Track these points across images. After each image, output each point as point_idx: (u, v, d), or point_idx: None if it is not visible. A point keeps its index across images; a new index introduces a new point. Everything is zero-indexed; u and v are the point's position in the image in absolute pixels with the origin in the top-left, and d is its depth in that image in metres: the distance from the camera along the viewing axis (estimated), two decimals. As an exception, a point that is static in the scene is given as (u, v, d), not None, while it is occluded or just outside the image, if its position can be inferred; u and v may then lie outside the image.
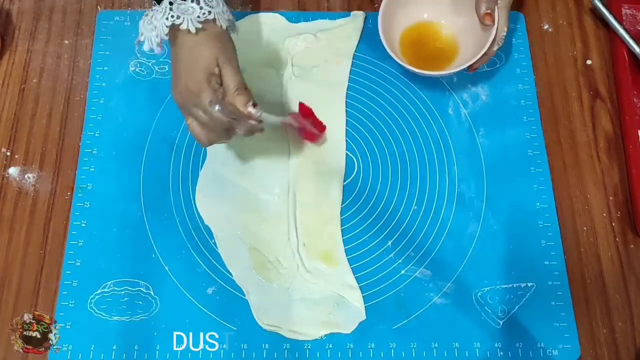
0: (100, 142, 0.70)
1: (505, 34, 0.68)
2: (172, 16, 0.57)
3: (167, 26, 0.57)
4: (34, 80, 0.73)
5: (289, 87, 0.73)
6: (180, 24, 0.57)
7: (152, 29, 0.58)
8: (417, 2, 0.73)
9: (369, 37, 0.77)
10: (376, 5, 0.79)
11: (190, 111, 0.59)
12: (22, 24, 0.76)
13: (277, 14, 0.77)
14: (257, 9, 0.78)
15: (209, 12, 0.57)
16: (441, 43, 0.74)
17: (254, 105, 0.58)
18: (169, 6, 0.57)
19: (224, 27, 0.59)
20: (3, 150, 0.70)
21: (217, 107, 0.56)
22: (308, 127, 0.67)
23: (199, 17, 0.57)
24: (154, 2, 0.59)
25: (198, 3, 0.57)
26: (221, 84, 0.58)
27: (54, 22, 0.77)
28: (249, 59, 0.73)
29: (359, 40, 0.76)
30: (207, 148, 0.69)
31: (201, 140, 0.60)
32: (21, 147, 0.70)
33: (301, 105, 0.68)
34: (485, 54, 0.68)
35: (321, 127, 0.69)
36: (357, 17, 0.77)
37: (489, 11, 0.68)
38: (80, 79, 0.73)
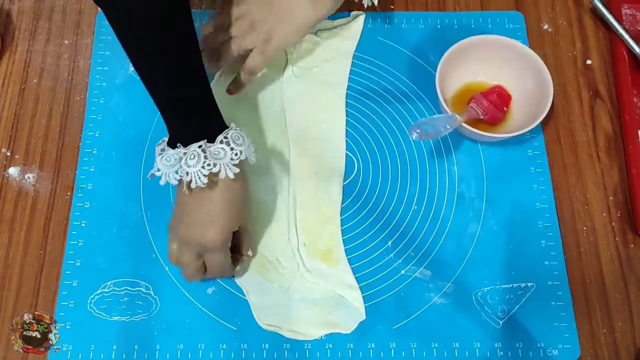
0: (100, 142, 0.70)
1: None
2: (209, 165, 0.54)
3: (204, 175, 0.54)
4: (34, 80, 0.73)
5: (288, 87, 0.73)
6: (218, 171, 0.55)
7: (173, 166, 0.55)
8: (475, 61, 0.71)
9: (369, 37, 0.77)
10: (376, 5, 0.79)
11: (195, 253, 0.58)
12: (22, 24, 0.76)
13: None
14: (257, 9, 0.78)
15: (240, 153, 0.56)
16: None
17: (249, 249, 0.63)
18: (202, 153, 0.54)
19: (253, 161, 0.58)
20: (3, 150, 0.70)
21: (415, 136, 0.62)
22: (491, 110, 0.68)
23: (232, 159, 0.55)
24: (169, 144, 0.56)
25: (228, 144, 0.55)
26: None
27: (54, 22, 0.77)
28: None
29: (359, 40, 0.76)
30: None
31: (188, 275, 0.61)
32: (21, 147, 0.70)
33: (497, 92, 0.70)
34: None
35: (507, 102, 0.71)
36: (357, 17, 0.77)
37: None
38: (80, 79, 0.73)
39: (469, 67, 0.72)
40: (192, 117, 0.57)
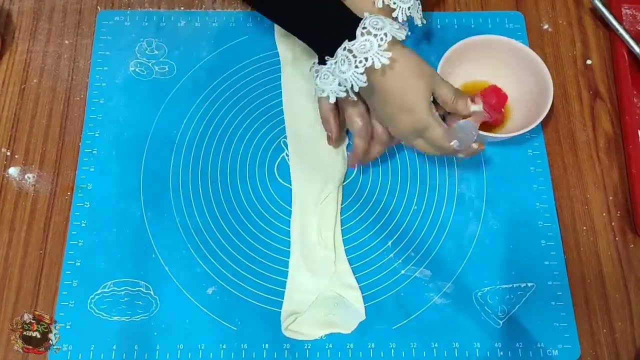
0: (100, 142, 0.70)
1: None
2: (358, 59, 0.54)
3: (361, 74, 0.54)
4: (34, 80, 0.73)
5: (288, 86, 0.73)
6: (372, 64, 0.54)
7: (333, 81, 0.56)
8: (475, 61, 0.71)
9: (369, 37, 0.77)
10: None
11: (415, 140, 0.60)
12: (22, 24, 0.76)
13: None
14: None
15: (386, 35, 0.54)
16: None
17: (473, 100, 0.59)
18: (348, 54, 0.54)
19: (404, 39, 0.56)
20: (3, 150, 0.70)
21: (456, 144, 0.59)
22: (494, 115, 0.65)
23: (380, 45, 0.54)
24: (317, 60, 0.58)
25: (370, 33, 0.54)
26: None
27: (54, 22, 0.77)
28: (248, 58, 0.73)
29: (359, 40, 0.76)
30: None
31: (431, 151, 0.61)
32: (21, 147, 0.70)
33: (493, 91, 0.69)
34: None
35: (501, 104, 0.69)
36: (357, 17, 0.77)
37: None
38: (80, 79, 0.73)
39: (468, 66, 0.71)
40: (327, 25, 0.57)
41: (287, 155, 0.70)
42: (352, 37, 0.55)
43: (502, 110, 0.70)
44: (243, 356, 0.62)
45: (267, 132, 0.71)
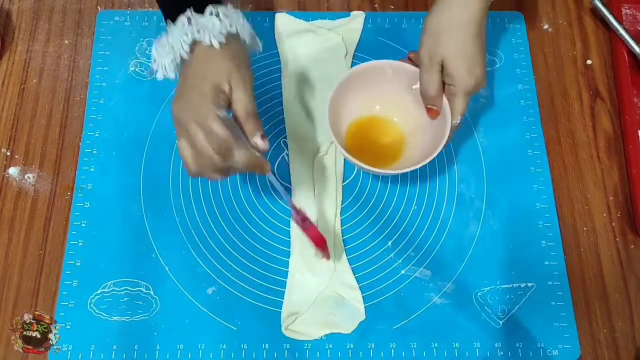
0: (100, 142, 0.70)
1: (458, 122, 0.62)
2: (192, 32, 0.52)
3: (187, 43, 0.52)
4: (34, 80, 0.73)
5: (288, 86, 0.73)
6: (202, 39, 0.52)
7: (167, 52, 0.53)
8: (369, 95, 0.67)
9: (369, 37, 0.77)
10: (376, 5, 0.79)
11: (187, 127, 0.52)
12: (22, 24, 0.76)
13: (279, 13, 0.77)
14: (257, 9, 0.78)
15: (230, 25, 0.53)
16: (389, 138, 0.68)
17: (263, 137, 0.53)
18: (187, 23, 0.53)
19: (247, 41, 0.55)
20: (3, 150, 0.70)
21: (221, 114, 0.51)
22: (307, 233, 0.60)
23: (221, 32, 0.52)
24: (168, 21, 0.54)
25: (218, 16, 0.53)
26: (229, 105, 0.53)
27: (54, 22, 0.77)
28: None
29: (359, 40, 0.76)
30: None
31: (189, 166, 0.53)
32: (21, 147, 0.70)
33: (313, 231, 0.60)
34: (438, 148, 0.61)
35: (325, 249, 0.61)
36: (357, 17, 0.77)
37: (431, 107, 0.63)
38: (80, 79, 0.73)
39: (358, 101, 0.66)
40: None
41: (287, 155, 0.70)
42: (199, 10, 0.53)
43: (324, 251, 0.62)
44: (243, 356, 0.62)
45: (267, 132, 0.71)
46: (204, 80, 0.52)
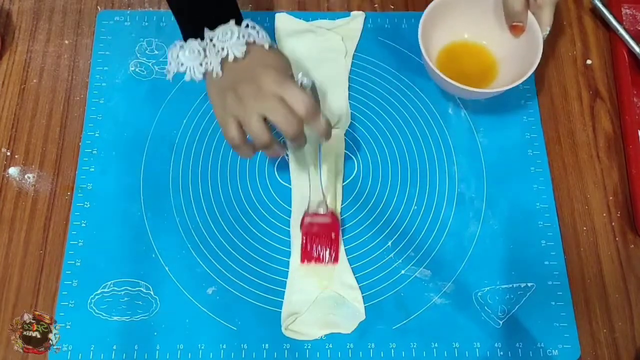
0: (100, 142, 0.70)
1: (547, 33, 0.66)
2: (246, 34, 0.57)
3: (242, 45, 0.57)
4: (34, 80, 0.73)
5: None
6: (257, 42, 0.57)
7: (196, 56, 0.57)
8: (458, 20, 0.70)
9: (369, 37, 0.77)
10: (376, 5, 0.79)
11: (265, 102, 0.55)
12: (22, 24, 0.76)
13: (279, 13, 0.77)
14: (257, 9, 0.78)
15: (249, 35, 0.57)
16: (480, 62, 0.72)
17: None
18: (235, 30, 0.57)
19: (266, 47, 0.58)
20: (3, 150, 0.70)
21: (310, 82, 0.57)
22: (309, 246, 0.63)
23: (238, 38, 0.57)
24: (201, 28, 0.58)
25: (254, 27, 0.58)
26: None
27: (54, 22, 0.77)
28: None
29: (359, 40, 0.76)
30: None
31: (286, 128, 0.55)
32: (21, 147, 0.70)
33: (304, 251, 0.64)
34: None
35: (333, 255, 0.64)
36: (357, 17, 0.77)
37: (516, 24, 0.66)
38: (80, 79, 0.73)
39: (452, 24, 0.70)
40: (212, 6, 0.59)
41: (287, 155, 0.70)
42: (232, 20, 0.58)
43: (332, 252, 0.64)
44: (243, 356, 0.62)
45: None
46: (268, 67, 0.56)
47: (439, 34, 0.70)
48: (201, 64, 0.57)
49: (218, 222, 0.67)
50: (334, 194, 0.68)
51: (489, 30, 0.71)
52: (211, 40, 0.57)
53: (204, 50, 0.57)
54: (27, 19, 0.76)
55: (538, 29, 0.66)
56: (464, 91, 0.66)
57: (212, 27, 0.57)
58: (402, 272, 0.65)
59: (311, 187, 0.65)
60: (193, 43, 0.58)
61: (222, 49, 0.57)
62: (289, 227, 0.67)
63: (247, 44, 0.57)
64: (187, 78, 0.58)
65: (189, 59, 0.57)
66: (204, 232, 0.66)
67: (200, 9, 0.59)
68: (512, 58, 0.70)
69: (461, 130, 0.72)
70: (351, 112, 0.73)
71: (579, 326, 0.64)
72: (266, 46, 0.58)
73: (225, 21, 0.58)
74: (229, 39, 0.57)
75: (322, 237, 0.63)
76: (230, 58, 0.57)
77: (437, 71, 0.65)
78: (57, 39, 0.76)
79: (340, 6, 0.79)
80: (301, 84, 0.57)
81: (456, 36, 0.72)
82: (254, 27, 0.58)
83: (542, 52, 0.66)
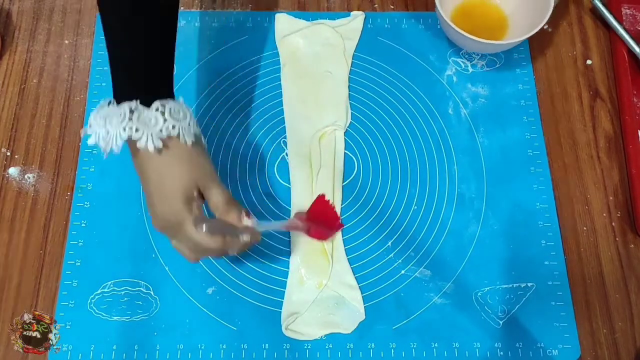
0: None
1: None
2: (131, 128, 0.50)
3: (122, 139, 0.50)
4: (34, 80, 0.73)
5: (288, 86, 0.73)
6: (139, 138, 0.50)
7: (103, 125, 0.51)
8: None
9: (369, 37, 0.77)
10: (376, 5, 0.79)
11: (174, 238, 0.54)
12: (22, 24, 0.76)
13: (279, 13, 0.77)
14: (257, 9, 0.78)
15: (173, 127, 0.51)
16: (492, 20, 0.76)
17: (248, 214, 0.53)
18: (128, 114, 0.50)
19: (189, 143, 0.52)
20: (3, 150, 0.70)
21: (204, 228, 0.51)
22: (317, 228, 0.62)
23: (161, 131, 0.50)
24: (112, 99, 0.52)
25: (163, 114, 0.51)
26: (202, 202, 0.54)
27: (54, 22, 0.77)
28: (248, 58, 0.73)
29: (359, 40, 0.76)
30: None
31: (190, 259, 0.55)
32: (21, 147, 0.70)
33: (317, 202, 0.63)
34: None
35: (335, 224, 0.65)
36: (357, 17, 0.77)
37: None
38: (80, 79, 0.73)
39: None
40: (139, 75, 0.53)
41: (287, 155, 0.70)
42: (147, 104, 0.51)
43: (330, 231, 0.65)
44: (243, 356, 0.62)
45: (267, 132, 0.71)
46: (170, 195, 0.51)
47: None
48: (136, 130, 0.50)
49: (218, 222, 0.67)
50: (333, 194, 0.68)
51: None
52: (162, 113, 0.51)
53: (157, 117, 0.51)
54: (27, 19, 0.76)
55: None
56: (479, 44, 0.70)
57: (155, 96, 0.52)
58: (402, 272, 0.65)
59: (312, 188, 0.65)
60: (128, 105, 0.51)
61: (173, 127, 0.51)
62: (289, 227, 0.67)
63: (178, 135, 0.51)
64: (90, 141, 0.52)
65: (98, 123, 0.51)
66: (204, 232, 0.66)
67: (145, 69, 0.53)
68: (522, 16, 0.74)
69: (461, 130, 0.72)
70: (351, 112, 0.73)
71: (579, 326, 0.64)
72: (188, 142, 0.52)
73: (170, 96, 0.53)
74: (182, 119, 0.52)
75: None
76: (185, 141, 0.52)
77: (452, 24, 0.69)
78: (57, 39, 0.76)
79: (340, 6, 0.79)
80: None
81: None
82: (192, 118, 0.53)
83: (549, 19, 0.69)
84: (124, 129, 0.50)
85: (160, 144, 0.51)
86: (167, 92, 0.54)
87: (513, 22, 0.75)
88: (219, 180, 0.55)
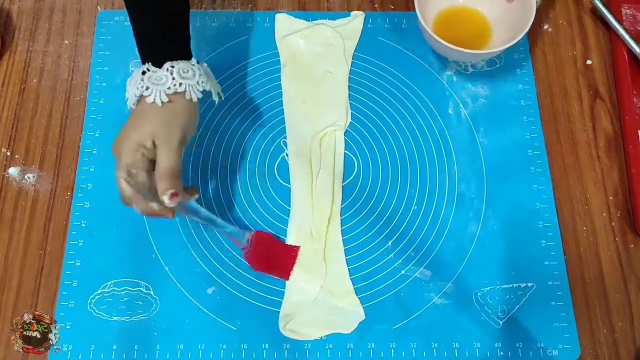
0: (100, 142, 0.70)
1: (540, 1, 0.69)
2: (142, 86, 0.56)
3: (136, 96, 0.57)
4: (34, 80, 0.73)
5: (288, 86, 0.73)
6: (148, 95, 0.56)
7: (128, 88, 0.58)
8: None
9: (369, 37, 0.77)
10: (376, 5, 0.79)
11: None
12: (22, 24, 0.76)
13: (279, 13, 0.77)
14: (257, 9, 0.78)
15: (180, 85, 0.57)
16: (475, 27, 0.75)
17: (173, 195, 0.54)
18: (141, 75, 0.57)
19: (195, 99, 0.58)
20: (3, 150, 0.70)
21: (123, 176, 0.55)
22: (259, 258, 0.64)
23: (169, 88, 0.56)
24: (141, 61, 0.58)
25: (172, 73, 0.57)
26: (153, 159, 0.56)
27: (54, 22, 0.77)
28: (248, 58, 0.73)
29: (359, 40, 0.76)
30: None
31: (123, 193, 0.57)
32: (21, 147, 0.70)
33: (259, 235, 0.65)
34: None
35: (282, 273, 0.65)
36: (357, 17, 0.77)
37: None
38: (80, 79, 0.73)
39: None
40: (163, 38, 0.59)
41: (287, 155, 0.70)
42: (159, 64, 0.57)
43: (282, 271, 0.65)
44: (243, 356, 0.62)
45: (267, 132, 0.71)
46: (134, 132, 0.56)
47: (433, 1, 0.73)
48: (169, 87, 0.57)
49: (218, 222, 0.67)
50: (333, 194, 0.68)
51: None
52: (172, 72, 0.57)
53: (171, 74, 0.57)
54: (27, 19, 0.76)
55: None
56: (459, 53, 0.68)
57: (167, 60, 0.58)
58: (402, 272, 0.65)
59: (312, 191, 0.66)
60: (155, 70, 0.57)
61: (180, 84, 0.57)
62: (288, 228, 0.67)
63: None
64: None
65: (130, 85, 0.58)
66: (203, 232, 0.66)
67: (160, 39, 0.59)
68: (505, 23, 0.72)
69: (461, 130, 0.72)
70: (351, 112, 0.73)
71: (579, 326, 0.64)
72: (194, 99, 0.58)
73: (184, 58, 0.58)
74: (190, 78, 0.57)
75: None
76: (191, 98, 0.57)
77: (433, 34, 0.68)
78: (57, 39, 0.76)
79: (340, 6, 0.79)
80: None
81: (452, 1, 0.75)
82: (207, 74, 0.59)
83: (541, 30, 0.70)
84: (137, 88, 0.57)
85: (165, 99, 0.56)
86: (180, 54, 0.59)
87: (496, 29, 0.74)
88: (176, 151, 0.56)
